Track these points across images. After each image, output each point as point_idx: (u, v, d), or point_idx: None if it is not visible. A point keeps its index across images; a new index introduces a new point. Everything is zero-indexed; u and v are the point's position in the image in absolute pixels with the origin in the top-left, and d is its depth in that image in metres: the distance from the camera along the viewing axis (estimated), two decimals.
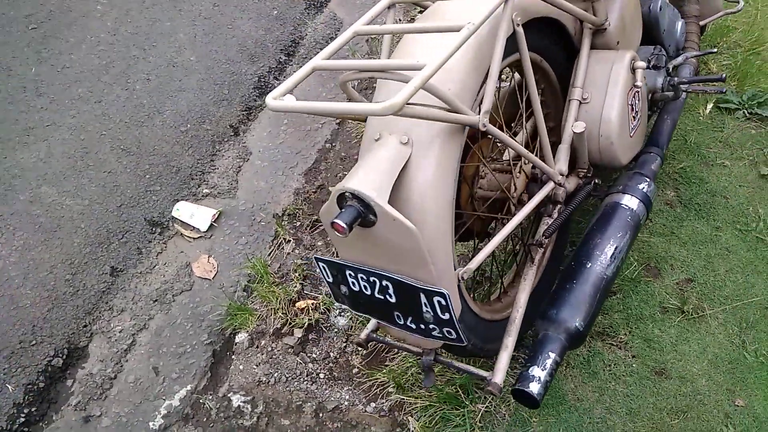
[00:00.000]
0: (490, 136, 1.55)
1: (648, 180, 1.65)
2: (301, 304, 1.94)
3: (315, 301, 1.95)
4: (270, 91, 2.73)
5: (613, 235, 1.51)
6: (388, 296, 1.21)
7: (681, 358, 1.65)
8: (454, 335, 1.15)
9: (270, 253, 2.12)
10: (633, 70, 1.57)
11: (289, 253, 2.12)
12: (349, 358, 1.82)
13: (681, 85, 1.72)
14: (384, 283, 1.19)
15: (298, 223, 2.22)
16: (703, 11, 2.24)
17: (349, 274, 1.25)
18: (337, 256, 1.28)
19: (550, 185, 1.47)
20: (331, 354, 1.84)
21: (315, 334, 1.89)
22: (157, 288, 2.05)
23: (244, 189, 2.36)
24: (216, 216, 2.22)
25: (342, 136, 2.55)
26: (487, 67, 1.27)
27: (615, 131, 1.53)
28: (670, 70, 1.85)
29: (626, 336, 1.72)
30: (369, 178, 1.10)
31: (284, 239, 2.15)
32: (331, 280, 1.31)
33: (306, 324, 1.89)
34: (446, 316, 1.12)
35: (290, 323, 1.91)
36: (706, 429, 1.51)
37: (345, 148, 2.50)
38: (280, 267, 2.08)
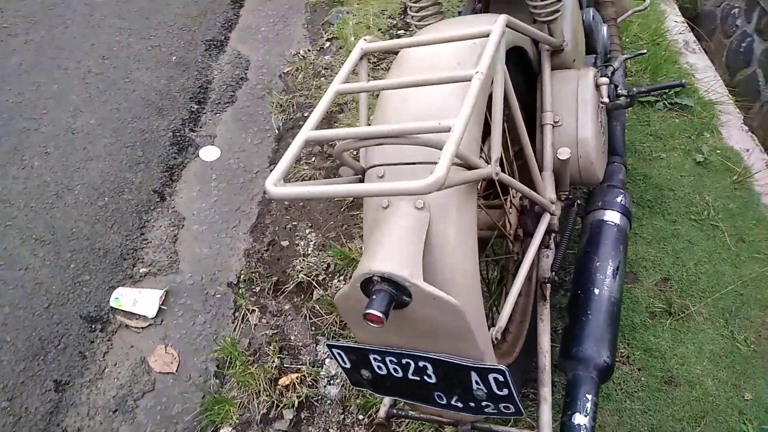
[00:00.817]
0: None
1: (622, 191, 1.66)
2: (284, 380, 1.77)
3: (299, 374, 1.78)
4: (188, 144, 2.55)
5: (609, 255, 1.49)
6: (426, 377, 1.10)
7: (683, 362, 1.67)
8: (513, 409, 1.05)
9: (235, 329, 1.92)
10: (597, 86, 1.56)
11: (256, 325, 1.93)
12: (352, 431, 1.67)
13: (639, 95, 1.75)
14: (421, 364, 1.07)
15: (258, 289, 2.03)
16: (616, 11, 2.31)
17: (374, 359, 1.12)
18: (352, 339, 1.15)
19: (548, 216, 1.42)
20: (331, 430, 1.68)
21: (307, 411, 1.73)
22: (114, 395, 1.79)
23: (187, 260, 2.13)
24: (163, 297, 1.99)
25: None
26: (483, 112, 1.20)
27: (593, 150, 1.51)
28: (611, 76, 1.88)
29: (626, 349, 1.71)
30: (396, 256, 0.98)
31: (247, 309, 1.96)
32: (348, 365, 1.17)
33: (295, 403, 1.72)
34: (504, 392, 1.03)
35: (277, 405, 1.73)
36: (726, 430, 1.52)
37: None
38: (250, 342, 1.89)
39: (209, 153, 2.49)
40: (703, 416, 1.55)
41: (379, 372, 1.14)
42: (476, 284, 1.09)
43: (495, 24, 1.11)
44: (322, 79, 2.79)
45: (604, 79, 1.56)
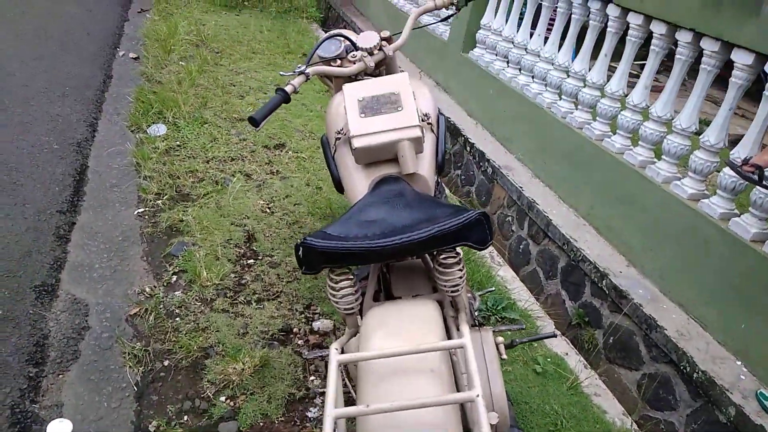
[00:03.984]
0: None
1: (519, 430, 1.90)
2: None
3: None
4: (32, 421, 2.18)
5: None
6: None
7: None
8: None
9: None
10: (497, 345, 1.82)
11: None
12: None
13: (521, 344, 2.06)
14: None
15: None
16: None
17: None
18: None
19: None
20: None
21: None
22: None
23: None
24: None
25: None
26: None
27: (504, 402, 1.74)
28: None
29: None
30: None
31: None
32: None
33: None
34: None
35: None
36: None
37: None
38: None
39: (59, 428, 2.17)
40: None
41: None
42: None
43: (464, 336, 1.32)
44: (178, 319, 2.69)
45: (501, 339, 1.84)
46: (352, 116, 1.94)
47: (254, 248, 3.22)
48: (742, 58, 2.87)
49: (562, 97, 4.21)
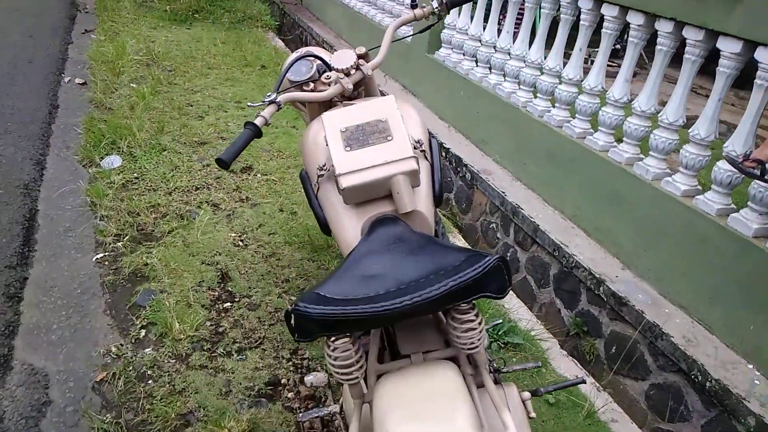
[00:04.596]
0: None
1: None
2: None
3: None
4: None
5: None
6: None
7: None
8: None
9: None
10: (523, 402, 1.60)
11: None
12: None
13: (547, 393, 1.83)
14: None
15: None
16: None
17: None
18: None
19: None
20: None
21: None
22: None
23: None
24: None
25: None
26: None
27: None
28: None
29: None
30: None
31: None
32: None
33: None
34: None
35: None
36: None
37: None
38: None
39: None
40: None
41: None
42: None
43: (508, 424, 1.13)
44: (151, 382, 2.42)
45: (527, 394, 1.61)
46: (336, 150, 1.71)
47: (229, 289, 2.96)
48: (729, 47, 2.73)
49: (538, 95, 4.04)
